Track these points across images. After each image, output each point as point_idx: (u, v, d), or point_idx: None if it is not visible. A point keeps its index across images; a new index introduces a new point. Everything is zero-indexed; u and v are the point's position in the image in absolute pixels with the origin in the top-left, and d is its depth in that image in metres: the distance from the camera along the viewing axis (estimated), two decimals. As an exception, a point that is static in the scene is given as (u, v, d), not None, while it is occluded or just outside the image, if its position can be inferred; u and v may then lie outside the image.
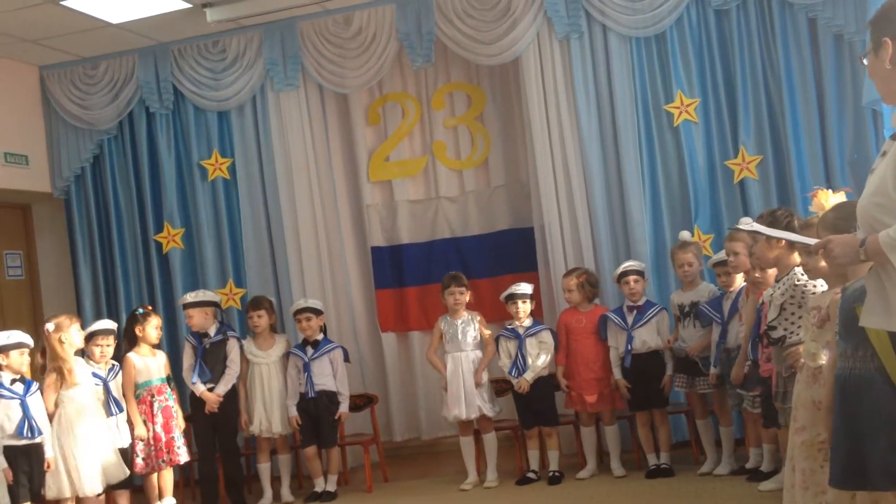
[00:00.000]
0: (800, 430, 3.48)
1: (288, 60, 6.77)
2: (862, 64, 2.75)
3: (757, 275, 4.56)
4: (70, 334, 5.32)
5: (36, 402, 5.06)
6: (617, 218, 6.30)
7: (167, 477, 5.78)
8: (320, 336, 6.07)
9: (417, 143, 7.10)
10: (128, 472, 5.45)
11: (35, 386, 5.11)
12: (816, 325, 3.32)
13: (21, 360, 5.03)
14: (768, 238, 3.90)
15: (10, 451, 4.84)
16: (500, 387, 6.02)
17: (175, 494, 5.86)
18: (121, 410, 5.59)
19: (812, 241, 2.93)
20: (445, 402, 5.90)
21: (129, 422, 5.64)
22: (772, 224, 3.96)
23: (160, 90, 6.95)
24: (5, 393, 4.96)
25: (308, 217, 6.79)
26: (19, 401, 4.96)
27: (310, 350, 5.99)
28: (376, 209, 7.11)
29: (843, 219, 2.98)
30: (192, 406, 6.00)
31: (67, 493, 5.14)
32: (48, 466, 5.05)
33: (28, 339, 5.10)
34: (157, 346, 5.93)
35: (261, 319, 6.07)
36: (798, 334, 3.97)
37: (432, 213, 7.06)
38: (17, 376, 5.03)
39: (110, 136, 7.11)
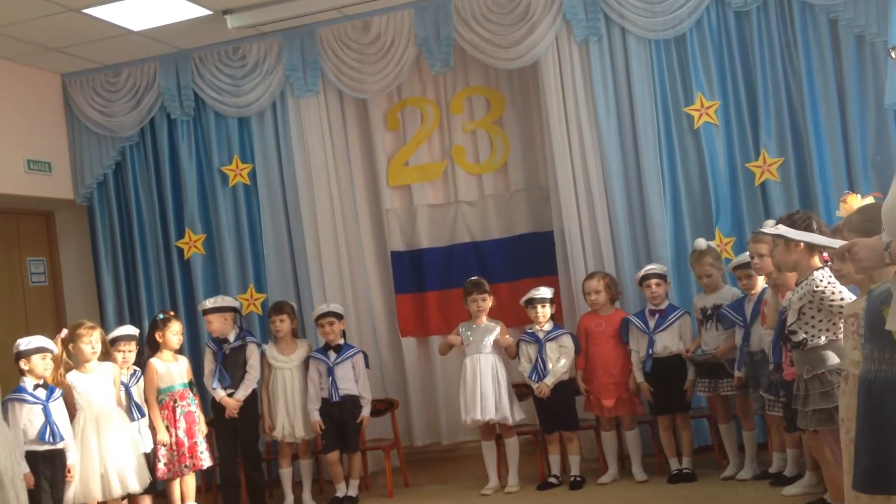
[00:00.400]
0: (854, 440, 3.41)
1: (307, 66, 6.80)
2: (890, 58, 2.72)
3: (775, 275, 4.52)
4: (80, 345, 5.34)
5: (58, 408, 5.09)
6: (637, 221, 6.28)
7: (189, 482, 5.79)
8: (342, 341, 6.08)
9: (436, 147, 7.10)
10: (149, 478, 5.47)
11: (58, 392, 5.14)
12: (856, 332, 3.26)
13: (44, 366, 5.07)
14: (787, 241, 3.87)
15: (31, 457, 4.86)
16: (520, 391, 6.00)
17: (197, 499, 5.88)
18: (143, 416, 5.62)
19: (837, 243, 2.90)
20: (463, 404, 5.87)
21: (152, 427, 5.67)
22: (790, 227, 3.92)
23: (181, 97, 7.00)
24: (28, 398, 4.99)
25: (328, 222, 6.81)
26: (41, 406, 5.00)
27: (332, 354, 6.00)
28: (396, 214, 7.12)
29: (869, 221, 2.94)
30: (214, 411, 6.03)
31: (89, 499, 5.17)
32: (69, 472, 5.08)
33: (50, 344, 5.14)
34: (179, 352, 5.96)
35: (283, 324, 6.08)
36: (820, 338, 3.94)
37: (452, 217, 7.05)
38: (40, 381, 5.07)
39: (132, 142, 7.16)
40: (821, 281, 3.87)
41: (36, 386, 5.03)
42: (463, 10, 6.48)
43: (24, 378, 5.03)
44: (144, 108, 7.07)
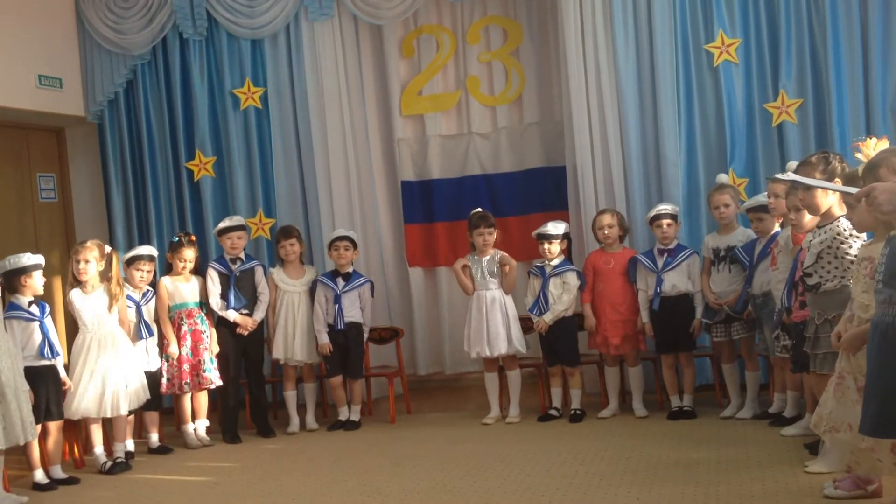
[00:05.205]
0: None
1: (323, -12, 6.69)
2: None
3: (792, 216, 4.50)
4: (71, 264, 5.36)
5: (51, 324, 5.11)
6: (651, 159, 6.24)
7: (202, 399, 5.87)
8: (352, 269, 6.09)
9: (451, 77, 7.04)
10: (147, 397, 5.50)
11: (48, 308, 5.15)
12: (869, 275, 3.26)
13: (41, 282, 5.08)
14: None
15: (30, 373, 4.84)
16: (526, 324, 6.03)
17: (209, 418, 5.95)
18: (151, 335, 5.67)
19: (854, 189, 2.88)
20: (469, 338, 5.90)
21: (160, 345, 5.73)
22: (825, 170, 3.91)
23: (194, 16, 6.88)
24: (26, 315, 5.00)
25: (339, 149, 6.77)
26: (38, 323, 5.02)
27: (341, 282, 6.02)
28: (407, 143, 7.08)
29: None
30: (219, 333, 5.97)
31: (89, 414, 5.24)
32: (65, 385, 5.13)
33: (42, 259, 5.13)
34: (196, 272, 5.96)
35: (293, 248, 6.09)
36: (832, 282, 3.95)
37: (464, 148, 7.02)
38: (33, 298, 5.06)
39: (144, 61, 7.08)
40: (844, 230, 3.88)
41: (30, 303, 5.04)
42: (481, -67, 6.35)
43: (19, 295, 5.02)
44: (157, 26, 6.97)
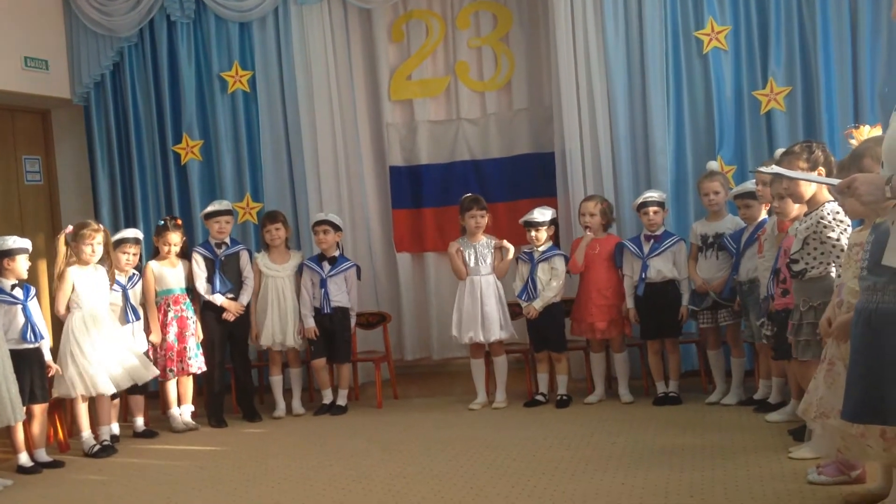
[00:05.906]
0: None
1: (312, -29, 6.65)
2: None
3: (776, 204, 4.53)
4: (81, 247, 5.29)
5: (35, 307, 5.08)
6: (639, 145, 6.24)
7: (187, 384, 5.87)
8: (337, 253, 6.08)
9: (440, 62, 7.02)
10: (156, 371, 5.55)
11: (33, 291, 5.13)
12: (859, 261, 3.27)
13: (25, 266, 5.05)
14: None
15: (13, 356, 4.80)
16: (514, 310, 6.03)
17: (193, 403, 5.94)
18: (137, 318, 5.65)
19: (836, 181, 2.90)
20: (459, 323, 5.89)
21: (147, 329, 5.72)
22: (808, 160, 3.95)
23: (182, -2, 6.84)
24: (8, 299, 4.96)
25: (327, 133, 6.74)
26: (21, 306, 4.98)
27: (326, 266, 6.01)
28: (396, 128, 7.06)
29: None
30: (203, 318, 5.97)
31: (74, 394, 5.20)
32: (49, 369, 5.11)
33: (30, 244, 5.11)
34: (182, 257, 5.94)
35: (278, 232, 6.06)
36: (817, 269, 3.97)
37: (452, 134, 7.00)
38: (16, 281, 5.03)
39: (131, 43, 7.02)
40: (828, 214, 3.91)
41: (13, 286, 5.00)
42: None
43: (1, 279, 4.98)
44: (144, 7, 6.90)
